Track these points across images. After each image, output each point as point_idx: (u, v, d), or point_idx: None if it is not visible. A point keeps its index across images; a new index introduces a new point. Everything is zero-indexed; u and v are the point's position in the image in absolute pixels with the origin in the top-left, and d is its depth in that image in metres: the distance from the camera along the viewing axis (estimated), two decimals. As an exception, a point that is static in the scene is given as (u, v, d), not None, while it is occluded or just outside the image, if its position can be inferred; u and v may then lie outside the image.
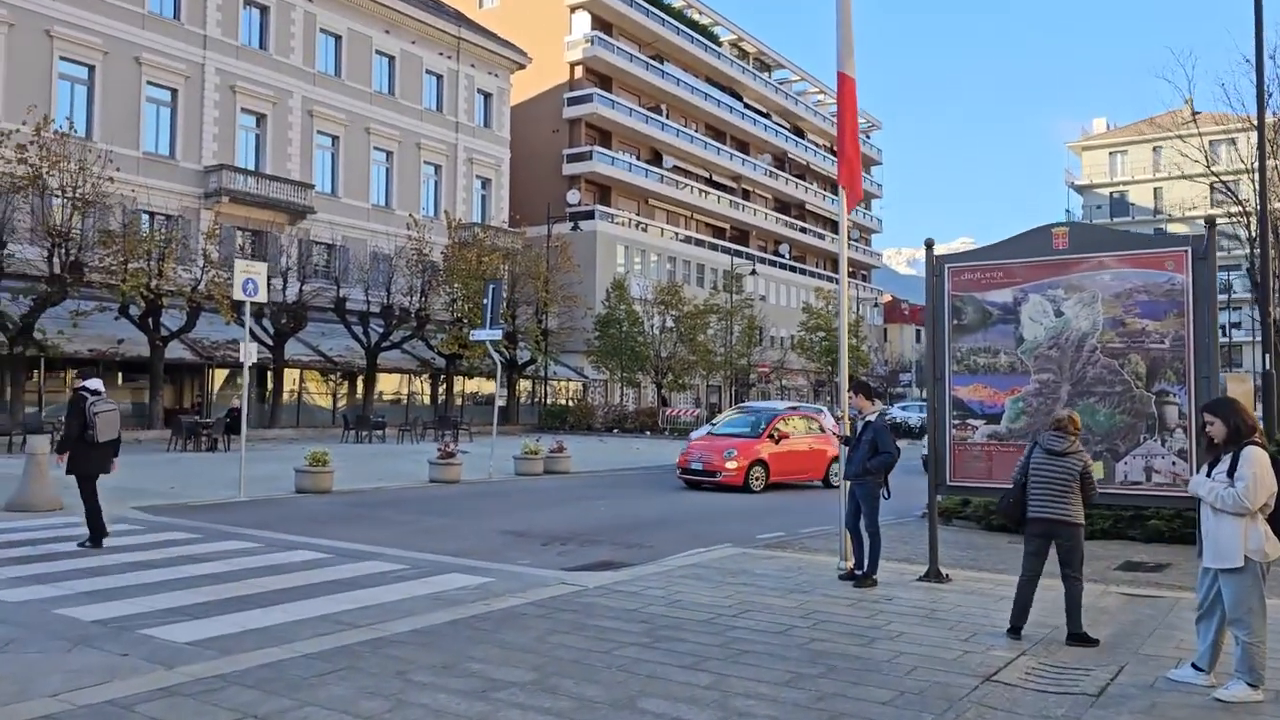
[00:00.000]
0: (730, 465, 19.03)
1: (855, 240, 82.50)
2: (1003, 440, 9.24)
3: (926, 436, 9.96)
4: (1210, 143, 22.19)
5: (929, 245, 9.69)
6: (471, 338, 21.35)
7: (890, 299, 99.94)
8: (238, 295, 15.13)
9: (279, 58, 39.54)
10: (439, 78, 46.87)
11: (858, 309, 68.55)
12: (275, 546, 10.88)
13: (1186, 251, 8.52)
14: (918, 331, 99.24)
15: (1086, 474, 7.23)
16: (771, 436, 19.76)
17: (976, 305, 9.46)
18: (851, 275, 65.68)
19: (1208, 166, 20.50)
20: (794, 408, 24.40)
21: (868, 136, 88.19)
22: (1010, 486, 7.55)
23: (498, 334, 19.88)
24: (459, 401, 42.38)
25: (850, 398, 9.48)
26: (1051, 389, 9.03)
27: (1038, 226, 9.31)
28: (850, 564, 9.62)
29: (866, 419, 9.26)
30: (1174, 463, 8.52)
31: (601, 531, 13.16)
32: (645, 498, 18.05)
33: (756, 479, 19.12)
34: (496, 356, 20.92)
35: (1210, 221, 8.46)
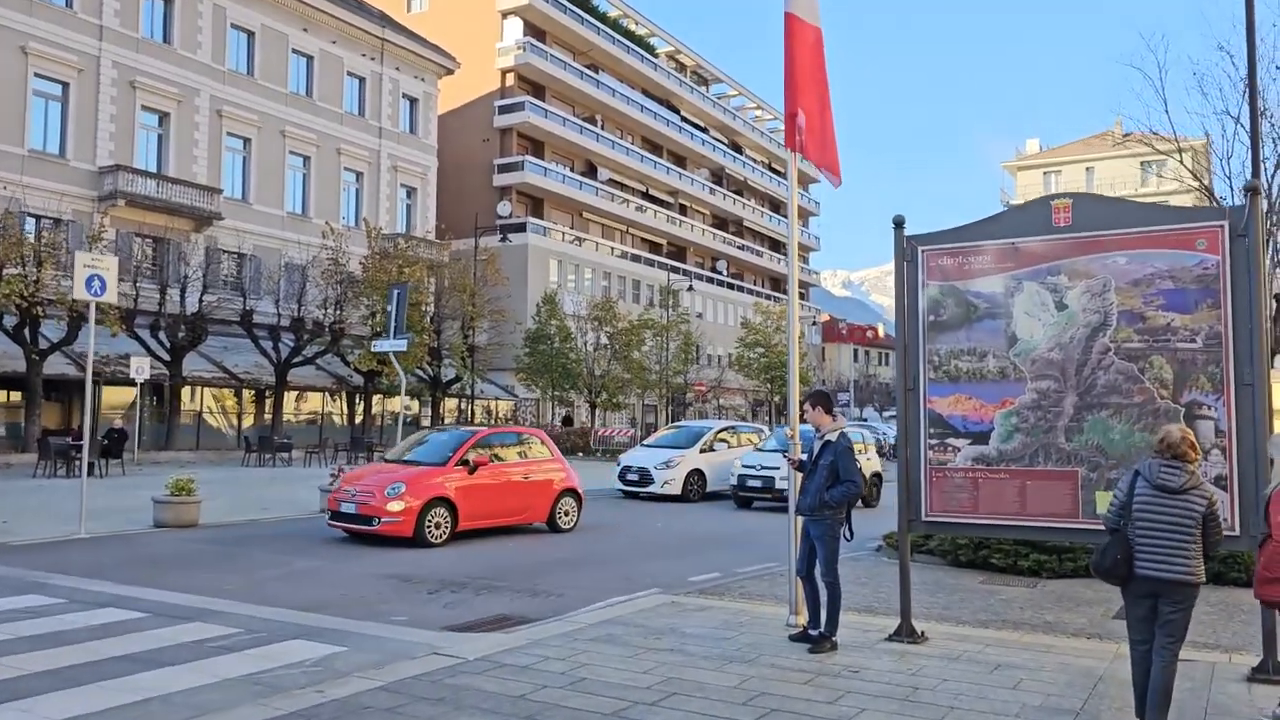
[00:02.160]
0: (394, 507, 12.81)
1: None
2: (992, 465, 7.40)
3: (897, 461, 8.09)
4: (1143, 163, 20.94)
5: (899, 224, 7.86)
6: (374, 348, 19.06)
7: (829, 318, 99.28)
8: (79, 294, 12.77)
9: (185, 53, 36.89)
10: (361, 80, 44.47)
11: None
12: (78, 604, 8.59)
13: (1222, 226, 6.78)
14: (855, 351, 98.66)
15: (1212, 516, 5.36)
16: (465, 463, 13.79)
17: (958, 297, 7.63)
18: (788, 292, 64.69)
19: (1196, 180, 19.15)
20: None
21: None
22: (1104, 536, 5.65)
23: (402, 344, 17.72)
24: (379, 421, 39.84)
25: (805, 411, 7.55)
26: (1053, 400, 7.22)
27: (1035, 199, 7.53)
28: (803, 620, 7.70)
29: (825, 437, 7.34)
30: (1210, 493, 6.73)
31: (508, 573, 11.06)
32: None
33: (436, 526, 13.08)
34: (400, 370, 18.72)
35: (1253, 189, 6.73)
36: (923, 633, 7.68)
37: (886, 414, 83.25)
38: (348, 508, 13.25)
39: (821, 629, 7.29)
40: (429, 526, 12.99)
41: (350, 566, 11.35)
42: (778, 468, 18.19)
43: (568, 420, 46.89)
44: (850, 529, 7.38)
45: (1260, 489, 6.54)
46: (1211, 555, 5.53)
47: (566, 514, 15.21)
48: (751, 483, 19.58)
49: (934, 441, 7.61)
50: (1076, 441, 7.11)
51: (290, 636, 7.56)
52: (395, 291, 18.06)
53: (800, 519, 7.52)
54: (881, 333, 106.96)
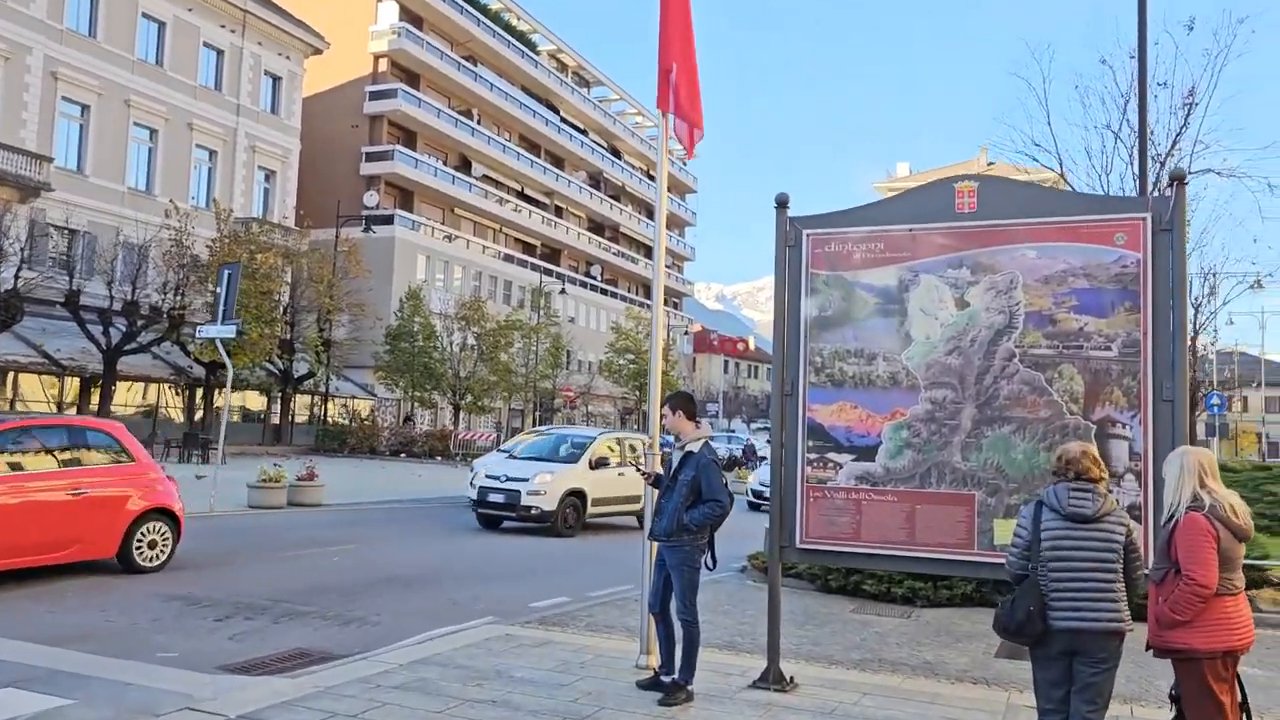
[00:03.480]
0: None
1: (667, 267, 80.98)
2: (878, 485, 6.38)
3: (768, 478, 6.99)
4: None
5: (781, 203, 6.79)
6: (199, 334, 17.10)
7: (700, 328, 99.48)
8: None
9: (14, 6, 33.57)
10: (219, 53, 41.59)
11: (668, 334, 66.72)
12: None
13: (1144, 220, 5.94)
14: (726, 362, 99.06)
15: (1132, 546, 4.50)
16: None
17: (846, 289, 6.60)
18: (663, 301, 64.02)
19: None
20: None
21: (684, 164, 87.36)
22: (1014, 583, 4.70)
23: (230, 330, 15.87)
24: (228, 417, 37.07)
25: (664, 416, 6.37)
26: (949, 412, 6.25)
27: (937, 180, 6.58)
28: (654, 662, 6.53)
29: (686, 447, 6.18)
30: (1122, 523, 5.86)
31: (320, 594, 9.55)
32: (410, 541, 14.47)
33: None
34: (227, 358, 16.81)
35: (1178, 177, 5.90)
36: (792, 678, 6.60)
37: (755, 425, 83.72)
38: None
39: (675, 675, 6.12)
40: None
41: (132, 584, 9.64)
42: (526, 479, 15.75)
43: (408, 420, 44.76)
44: (713, 556, 6.24)
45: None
46: (1136, 591, 4.61)
47: (151, 545, 10.37)
48: (494, 497, 15.91)
49: (813, 456, 6.56)
50: (974, 460, 6.17)
51: (9, 682, 5.96)
52: (226, 272, 16.16)
53: (654, 545, 6.33)
54: (753, 345, 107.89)
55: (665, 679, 6.18)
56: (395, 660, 6.78)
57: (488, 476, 16.25)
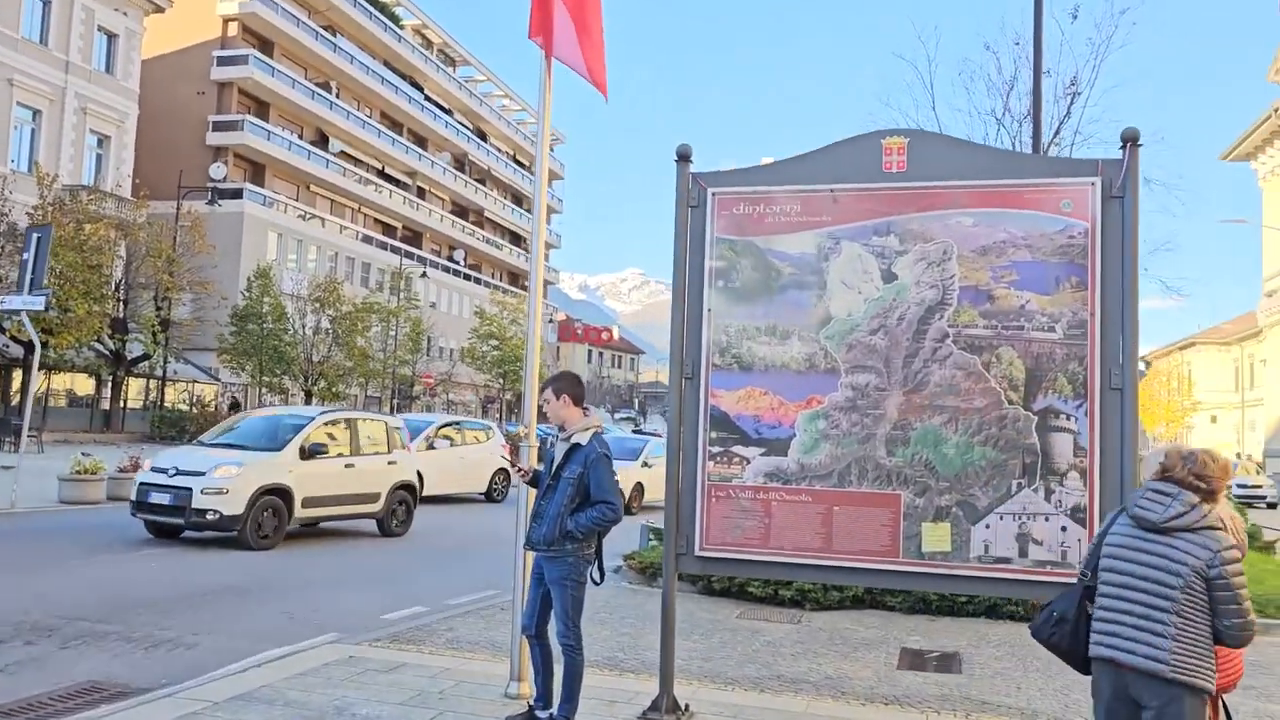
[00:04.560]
0: None
1: (535, 253, 79.17)
2: (791, 483, 5.53)
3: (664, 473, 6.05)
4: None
5: (684, 156, 5.85)
6: (1, 306, 15.03)
7: (565, 317, 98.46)
8: None
9: None
10: (45, 3, 38.04)
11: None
12: None
13: (1093, 185, 5.25)
14: (590, 352, 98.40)
15: (1221, 579, 3.42)
16: None
17: (757, 257, 5.72)
18: (527, 287, 62.38)
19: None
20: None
21: (551, 150, 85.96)
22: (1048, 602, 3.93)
23: (38, 302, 13.94)
24: (47, 401, 33.96)
25: (546, 402, 5.32)
26: (872, 400, 5.45)
27: (863, 134, 5.75)
28: (528, 690, 5.52)
29: (572, 439, 5.17)
30: (1064, 527, 5.19)
31: (128, 610, 8.13)
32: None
33: None
34: (34, 333, 14.77)
35: (1131, 139, 5.24)
36: (687, 706, 5.70)
37: (618, 416, 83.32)
38: None
39: (554, 710, 5.13)
40: None
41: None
42: (203, 472, 11.92)
43: (234, 406, 42.12)
44: (601, 568, 5.26)
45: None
46: (1235, 643, 3.52)
47: None
48: (157, 497, 11.93)
49: (716, 450, 5.66)
50: (900, 456, 5.38)
51: None
52: (34, 236, 14.17)
53: (531, 556, 5.30)
54: (616, 335, 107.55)
55: (541, 715, 5.18)
56: (209, 696, 5.55)
57: (154, 469, 12.40)
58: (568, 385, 5.30)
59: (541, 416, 5.76)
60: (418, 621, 8.09)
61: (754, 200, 5.73)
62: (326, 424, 13.55)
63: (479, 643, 7.32)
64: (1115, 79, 28.04)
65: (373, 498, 13.70)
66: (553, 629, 5.14)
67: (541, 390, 5.42)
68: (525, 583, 5.43)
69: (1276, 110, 32.96)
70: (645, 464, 19.40)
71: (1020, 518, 5.23)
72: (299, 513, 12.57)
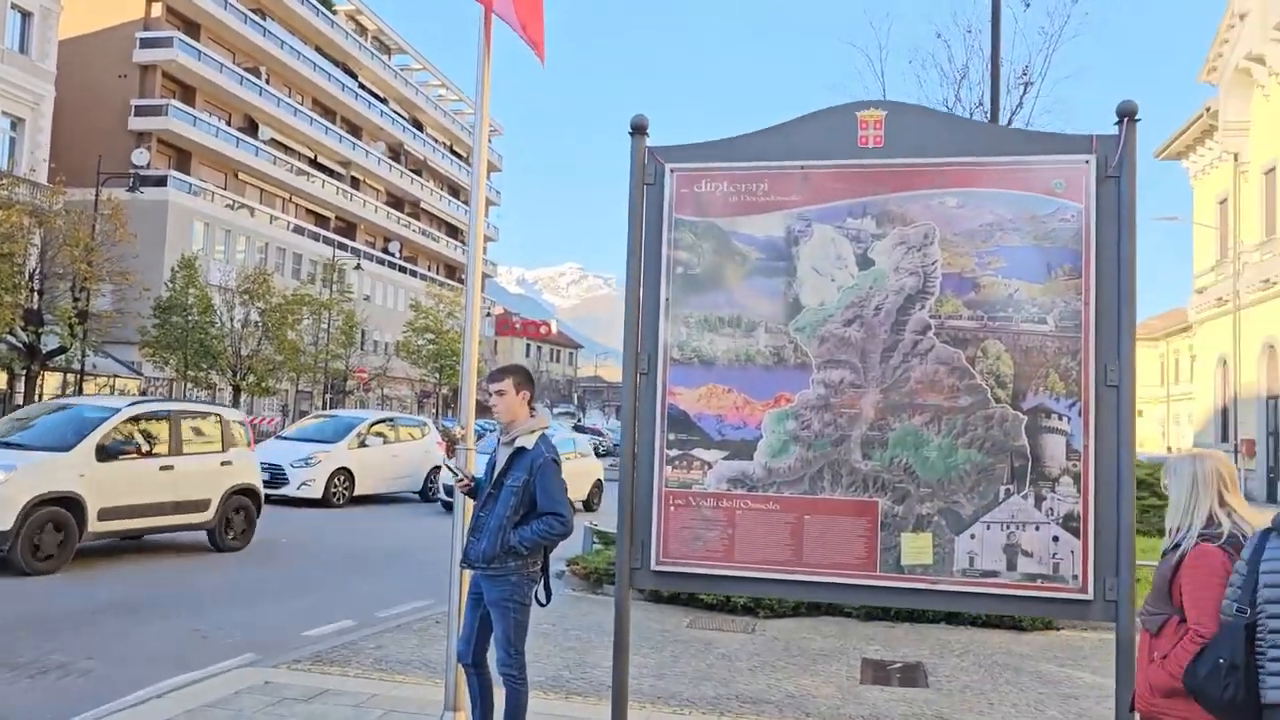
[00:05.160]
0: None
1: (472, 246, 77.79)
2: (757, 490, 5.01)
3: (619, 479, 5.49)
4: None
5: (639, 128, 5.29)
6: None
7: (503, 310, 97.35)
8: None
9: None
10: (-46, -22, 36.21)
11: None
12: None
13: (1087, 163, 4.81)
14: (528, 346, 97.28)
15: None
16: None
17: (719, 240, 5.18)
18: (464, 280, 61.11)
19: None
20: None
21: (489, 141, 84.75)
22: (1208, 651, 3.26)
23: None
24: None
25: (491, 397, 4.71)
26: (847, 399, 4.95)
27: (835, 105, 5.25)
28: (464, 724, 4.93)
29: (516, 441, 4.58)
30: (1056, 538, 4.74)
31: (9, 631, 7.34)
32: (154, 551, 12.11)
33: None
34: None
35: (1128, 113, 4.81)
36: (643, 736, 5.16)
37: (557, 411, 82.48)
38: None
39: (494, 748, 4.55)
40: None
41: None
42: None
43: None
44: (548, 587, 4.69)
45: (1122, 529, 4.64)
46: None
47: None
48: None
49: (674, 453, 5.11)
50: (877, 459, 4.89)
51: None
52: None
53: (469, 574, 4.70)
54: (555, 329, 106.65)
55: (480, 753, 4.60)
56: (97, 737, 4.87)
57: None
58: (527, 379, 4.70)
59: (483, 411, 5.16)
60: (344, 639, 7.43)
61: (717, 178, 5.19)
62: (135, 418, 11.33)
63: (411, 663, 6.70)
64: (1065, 69, 28.01)
65: (200, 505, 11.68)
66: (493, 656, 4.56)
67: (493, 380, 4.78)
68: (462, 604, 4.83)
69: (1208, 110, 33.38)
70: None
71: (1008, 527, 4.77)
72: (95, 526, 10.49)
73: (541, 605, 4.71)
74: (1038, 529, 4.75)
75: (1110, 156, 4.77)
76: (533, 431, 4.58)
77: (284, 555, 12.03)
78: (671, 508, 5.08)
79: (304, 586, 9.91)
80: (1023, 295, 4.82)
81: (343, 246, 56.62)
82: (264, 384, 41.84)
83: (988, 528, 4.78)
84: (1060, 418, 4.75)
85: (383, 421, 19.63)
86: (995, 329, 4.83)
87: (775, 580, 5.02)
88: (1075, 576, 4.68)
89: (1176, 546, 3.41)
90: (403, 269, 67.32)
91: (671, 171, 5.21)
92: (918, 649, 8.05)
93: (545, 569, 4.63)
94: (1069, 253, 4.79)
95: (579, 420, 72.48)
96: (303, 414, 45.96)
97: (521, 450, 4.54)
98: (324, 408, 44.51)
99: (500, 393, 4.67)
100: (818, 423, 4.95)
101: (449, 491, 15.85)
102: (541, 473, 4.45)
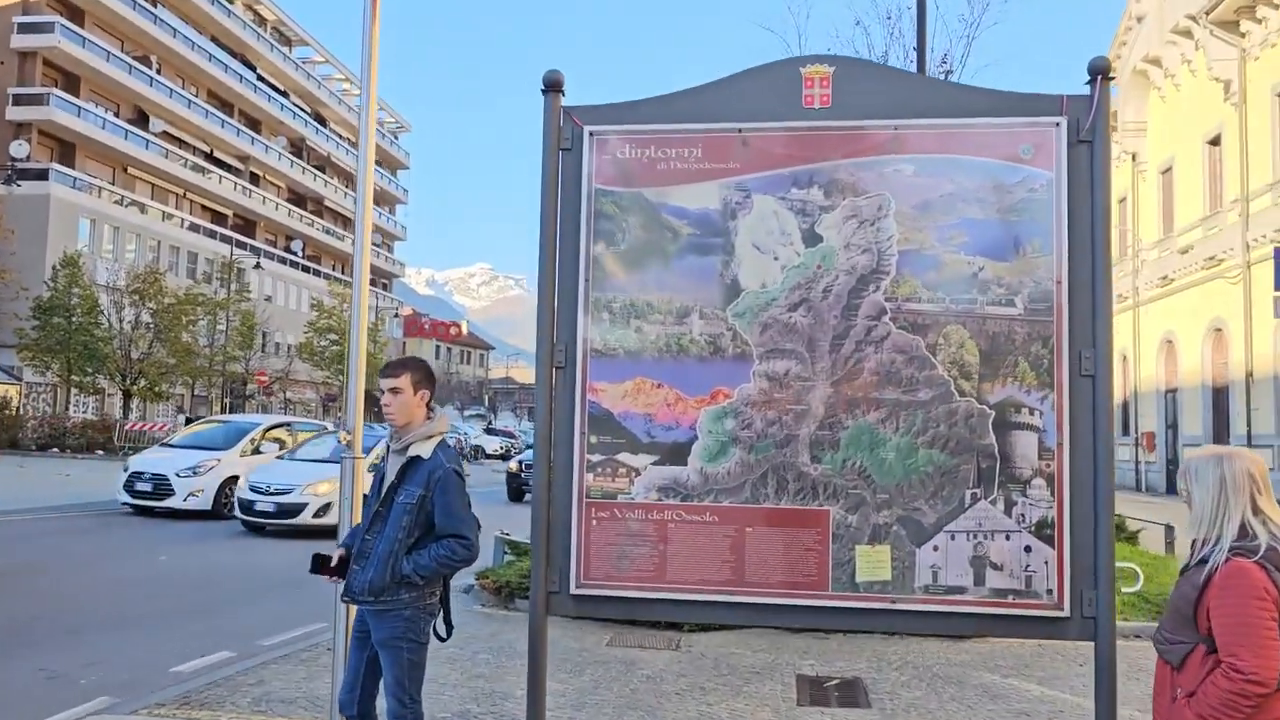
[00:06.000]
0: None
1: (377, 245, 76.00)
2: (692, 499, 4.36)
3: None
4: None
5: (552, 86, 4.60)
6: None
7: (411, 311, 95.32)
8: None
9: None
10: None
11: (377, 315, 62.48)
12: None
13: (1057, 126, 4.29)
14: (438, 347, 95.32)
15: None
16: None
17: (647, 214, 4.53)
18: (371, 283, 59.18)
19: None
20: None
21: (395, 138, 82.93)
22: None
23: None
24: None
25: (397, 394, 3.94)
26: (793, 392, 4.34)
27: (776, 60, 4.64)
28: (351, 782, 4.16)
29: (410, 450, 3.85)
30: (1028, 547, 4.21)
31: None
32: (13, 576, 10.95)
33: None
34: None
35: (1101, 71, 4.30)
36: (562, 785, 4.47)
37: (468, 413, 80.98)
38: None
39: (386, 814, 3.81)
40: None
41: None
42: None
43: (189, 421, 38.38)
44: (448, 620, 3.97)
45: (1100, 537, 4.13)
46: None
47: None
48: None
49: (596, 458, 4.44)
50: (828, 462, 4.29)
51: None
52: None
53: (354, 609, 3.95)
54: (465, 330, 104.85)
55: (368, 819, 3.85)
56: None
57: None
58: (427, 377, 3.96)
59: (375, 415, 4.40)
60: (220, 673, 6.55)
61: (643, 142, 4.53)
62: (268, 429, 11.56)
63: (295, 700, 5.89)
64: (985, 58, 27.98)
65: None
66: (384, 710, 3.82)
67: (387, 375, 4.01)
68: (346, 646, 4.07)
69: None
70: None
71: (975, 536, 4.22)
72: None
73: (442, 640, 3.98)
74: (1008, 538, 4.21)
75: (1082, 119, 4.26)
76: (430, 437, 3.85)
77: (161, 576, 10.98)
78: (593, 521, 4.40)
79: (180, 612, 8.93)
80: (988, 274, 4.28)
81: (242, 245, 54.47)
82: (156, 388, 39.88)
83: (952, 538, 4.23)
84: (1031, 412, 4.22)
85: (278, 426, 18.45)
86: (958, 313, 4.28)
87: (713, 603, 4.38)
88: (1050, 591, 4.16)
89: (1203, 562, 2.87)
90: (305, 268, 65.22)
91: (591, 135, 4.54)
92: (854, 662, 7.53)
93: (445, 599, 3.91)
94: (1038, 227, 4.27)
95: (490, 423, 71.20)
96: (188, 421, 43.97)
97: (416, 460, 3.81)
98: (222, 413, 42.58)
99: (395, 390, 3.93)
100: (760, 421, 4.34)
101: (246, 507, 14.60)
102: (441, 487, 3.73)
